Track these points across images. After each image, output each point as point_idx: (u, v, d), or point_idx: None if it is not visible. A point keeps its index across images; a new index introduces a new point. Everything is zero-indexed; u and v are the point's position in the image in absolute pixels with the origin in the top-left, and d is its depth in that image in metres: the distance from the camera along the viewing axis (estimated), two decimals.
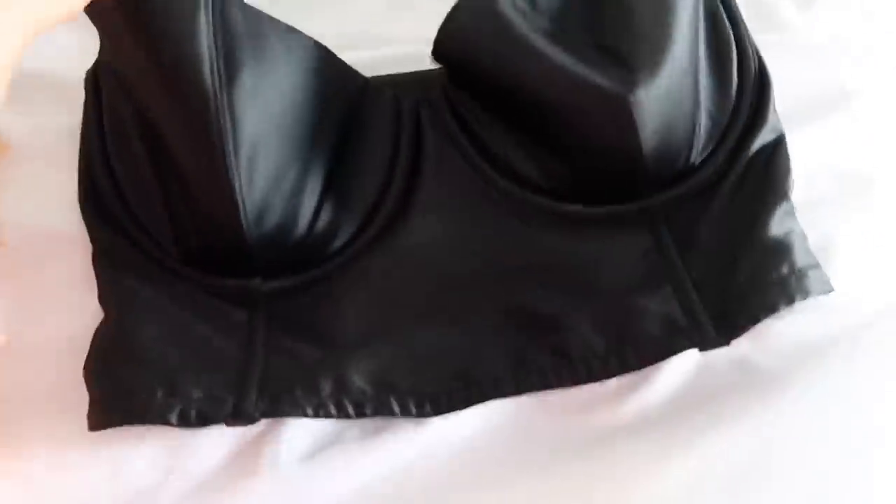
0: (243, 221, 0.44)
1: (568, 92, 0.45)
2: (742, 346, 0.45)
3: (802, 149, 0.49)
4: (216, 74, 0.43)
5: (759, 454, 0.42)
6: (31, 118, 0.55)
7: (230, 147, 0.43)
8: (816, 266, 0.45)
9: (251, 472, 0.43)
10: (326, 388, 0.43)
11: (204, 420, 0.42)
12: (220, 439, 0.44)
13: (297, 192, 0.46)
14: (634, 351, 0.44)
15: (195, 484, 0.43)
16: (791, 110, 0.50)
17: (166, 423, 0.42)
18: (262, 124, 0.44)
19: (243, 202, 0.44)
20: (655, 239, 0.47)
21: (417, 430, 0.44)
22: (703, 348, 0.44)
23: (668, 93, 0.45)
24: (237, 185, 0.43)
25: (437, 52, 0.49)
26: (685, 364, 0.45)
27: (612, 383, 0.44)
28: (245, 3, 0.46)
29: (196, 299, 0.46)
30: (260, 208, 0.44)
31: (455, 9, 0.47)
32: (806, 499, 0.41)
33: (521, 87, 0.47)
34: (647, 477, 0.42)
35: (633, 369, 0.44)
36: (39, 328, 0.47)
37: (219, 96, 0.42)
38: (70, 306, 0.47)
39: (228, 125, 0.43)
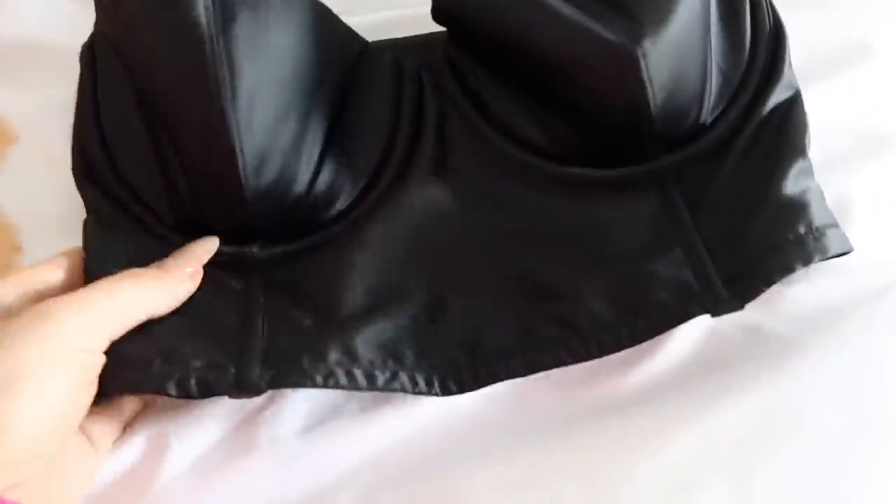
0: (241, 171, 0.42)
1: (572, 45, 0.43)
2: (756, 312, 0.43)
3: (818, 106, 0.47)
4: (211, 19, 0.41)
5: (771, 424, 0.41)
6: (27, 91, 0.54)
7: (227, 92, 0.41)
8: (835, 225, 0.43)
9: (249, 447, 0.42)
10: (333, 356, 0.42)
11: (206, 390, 0.41)
12: (216, 415, 0.43)
13: (297, 145, 0.44)
14: (645, 319, 0.42)
15: (193, 460, 0.42)
16: (807, 66, 0.48)
17: (164, 392, 0.40)
18: (260, 73, 0.43)
19: (241, 150, 0.42)
20: (665, 202, 0.45)
21: (417, 402, 0.43)
22: (716, 313, 0.42)
23: (677, 46, 0.43)
24: (235, 133, 0.42)
25: (437, 10, 0.47)
26: (694, 332, 0.44)
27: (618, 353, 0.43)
28: None
29: None
30: (259, 157, 0.43)
31: None
32: (824, 467, 0.40)
33: (523, 41, 0.45)
34: (652, 451, 0.41)
35: (645, 339, 0.42)
36: None
37: (215, 41, 0.41)
38: None
39: (225, 71, 0.41)
